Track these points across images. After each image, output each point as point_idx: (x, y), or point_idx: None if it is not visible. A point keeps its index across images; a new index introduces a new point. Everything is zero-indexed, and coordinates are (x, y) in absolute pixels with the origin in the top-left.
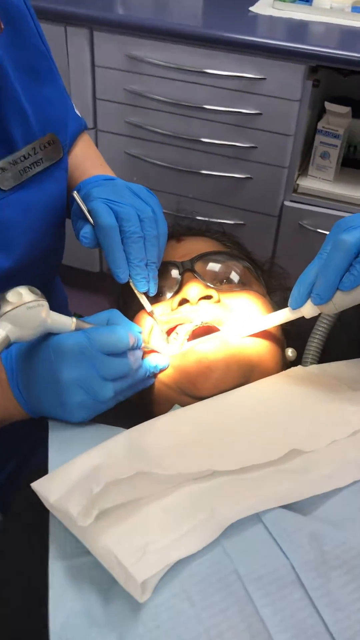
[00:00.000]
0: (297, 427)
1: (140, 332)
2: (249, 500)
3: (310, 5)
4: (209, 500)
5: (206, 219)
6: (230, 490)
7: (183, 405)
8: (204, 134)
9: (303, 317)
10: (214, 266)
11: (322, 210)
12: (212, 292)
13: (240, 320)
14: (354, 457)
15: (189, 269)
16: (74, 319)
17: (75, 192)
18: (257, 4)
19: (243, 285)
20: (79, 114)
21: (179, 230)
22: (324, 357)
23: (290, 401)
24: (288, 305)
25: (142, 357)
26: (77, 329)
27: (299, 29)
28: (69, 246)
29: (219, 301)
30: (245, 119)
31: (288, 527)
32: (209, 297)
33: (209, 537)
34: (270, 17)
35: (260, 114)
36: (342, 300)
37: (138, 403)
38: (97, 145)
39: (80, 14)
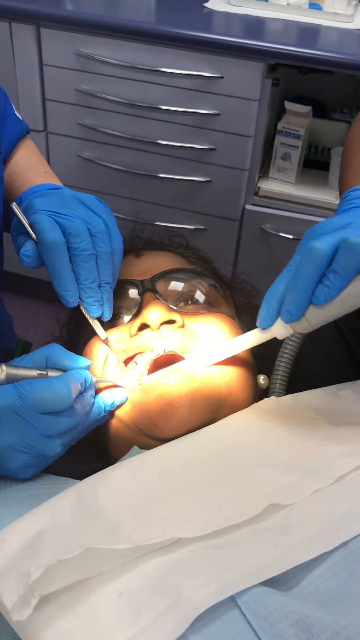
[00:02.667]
0: (275, 475)
1: (87, 368)
2: (222, 578)
3: (267, 1)
4: (173, 580)
5: (165, 224)
6: (199, 564)
7: (142, 447)
8: (161, 135)
9: (274, 338)
10: (177, 285)
11: (284, 213)
12: (175, 315)
13: (206, 348)
14: (342, 511)
15: (149, 289)
16: (4, 367)
17: (14, 204)
18: (211, 0)
19: (210, 306)
20: (19, 117)
21: (138, 244)
22: (294, 376)
23: (265, 442)
24: (257, 325)
25: (96, 393)
26: (9, 379)
27: (256, 25)
28: None
29: (183, 326)
30: (203, 119)
31: (270, 612)
32: (172, 322)
33: (174, 631)
34: (226, 13)
35: (219, 114)
36: (316, 317)
37: (93, 440)
38: (47, 148)
39: (26, 9)
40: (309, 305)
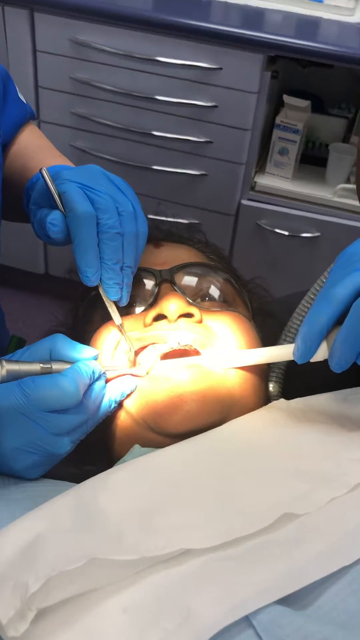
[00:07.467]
0: (287, 482)
1: (95, 359)
2: (235, 595)
3: None
4: (182, 595)
5: (159, 217)
6: (209, 578)
7: (145, 444)
8: (156, 127)
9: None
10: (196, 280)
11: (280, 209)
12: (193, 309)
13: (223, 347)
14: (358, 523)
15: (167, 280)
16: (4, 363)
17: (44, 168)
18: None
19: (227, 305)
20: (23, 100)
21: (157, 235)
22: (295, 381)
23: (276, 447)
24: (294, 358)
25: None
26: (10, 375)
27: (255, 16)
28: (11, 246)
29: (200, 321)
30: (200, 111)
31: (287, 634)
32: (189, 316)
33: None
34: (226, 3)
35: (216, 106)
36: None
37: (93, 436)
38: None
39: None
40: None
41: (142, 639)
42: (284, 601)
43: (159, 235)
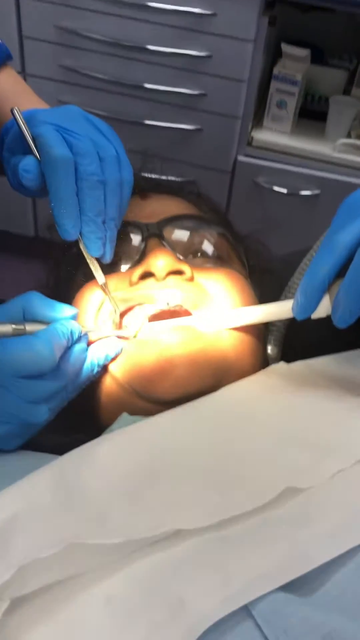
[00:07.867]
0: (289, 453)
1: (74, 318)
2: (231, 582)
3: None
4: (173, 583)
5: (151, 175)
6: (203, 562)
7: (134, 412)
8: (147, 79)
9: None
10: (187, 234)
11: (279, 165)
12: (184, 266)
13: (218, 307)
14: None
15: (155, 234)
16: None
17: (16, 108)
18: None
19: (222, 261)
20: None
21: (144, 185)
22: (291, 341)
23: (277, 415)
24: (292, 311)
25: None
26: None
27: None
28: None
29: (191, 279)
30: (194, 61)
31: (291, 625)
32: (179, 273)
33: None
34: None
35: (210, 56)
36: None
37: (77, 403)
38: None
39: None
40: None
41: (128, 632)
42: (287, 587)
43: (146, 185)
